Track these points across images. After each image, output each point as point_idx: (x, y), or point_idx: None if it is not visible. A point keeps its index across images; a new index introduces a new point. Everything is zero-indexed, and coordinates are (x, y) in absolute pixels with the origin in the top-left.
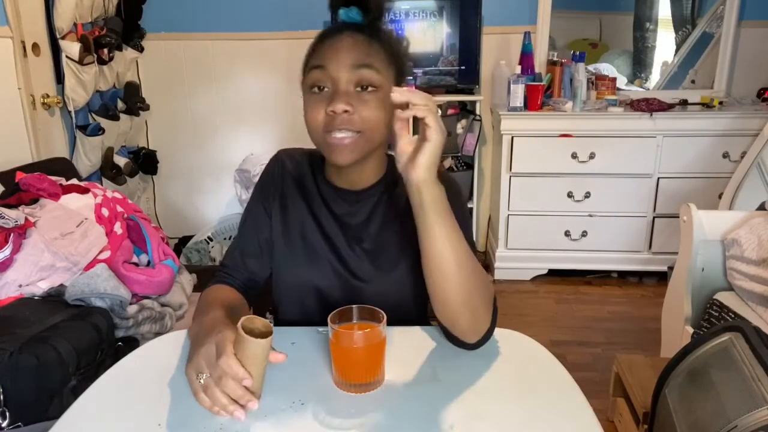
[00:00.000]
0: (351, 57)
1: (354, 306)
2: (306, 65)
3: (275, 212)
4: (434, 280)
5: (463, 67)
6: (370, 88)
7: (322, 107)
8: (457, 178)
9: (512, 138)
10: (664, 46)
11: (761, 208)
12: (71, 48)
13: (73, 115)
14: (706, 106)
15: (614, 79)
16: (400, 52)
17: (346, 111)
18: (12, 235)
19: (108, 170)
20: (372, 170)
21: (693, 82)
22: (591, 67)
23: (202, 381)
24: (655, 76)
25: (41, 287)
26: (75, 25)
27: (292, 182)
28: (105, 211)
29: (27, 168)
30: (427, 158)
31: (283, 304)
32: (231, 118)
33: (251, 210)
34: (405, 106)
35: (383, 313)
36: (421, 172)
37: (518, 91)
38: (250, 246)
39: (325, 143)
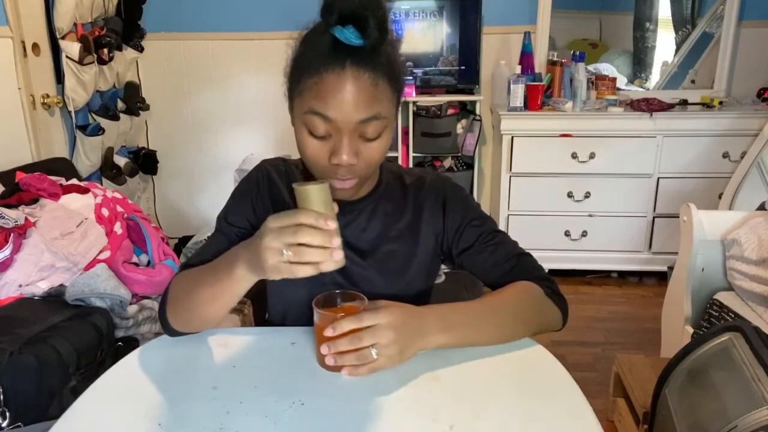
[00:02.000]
0: (357, 109)
1: (337, 291)
2: (298, 90)
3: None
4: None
5: (463, 67)
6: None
7: (324, 153)
8: (457, 178)
9: (512, 138)
10: (664, 46)
11: (761, 208)
12: (71, 48)
13: (73, 115)
14: (706, 106)
15: (614, 79)
16: (400, 73)
17: (351, 164)
18: (12, 235)
19: (108, 170)
20: (366, 184)
21: (693, 82)
22: (591, 67)
23: (286, 256)
24: (655, 76)
25: (41, 287)
26: (75, 25)
27: (280, 193)
28: (105, 211)
29: (27, 168)
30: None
31: (283, 318)
32: (231, 118)
33: (228, 219)
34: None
35: (365, 297)
36: (395, 363)
37: (518, 91)
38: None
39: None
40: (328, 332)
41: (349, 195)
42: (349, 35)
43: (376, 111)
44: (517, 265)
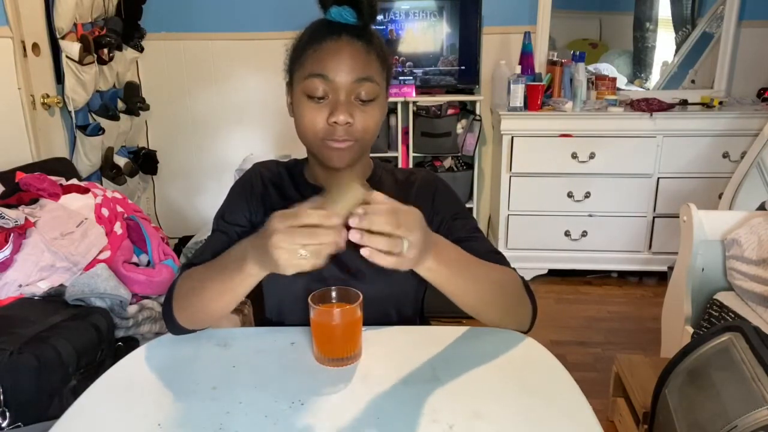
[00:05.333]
0: (353, 69)
1: (333, 288)
2: (298, 65)
3: (260, 222)
4: (467, 309)
5: (463, 67)
6: (369, 100)
7: (322, 116)
8: (457, 178)
9: (512, 138)
10: (664, 46)
11: (761, 208)
12: (71, 48)
13: (73, 115)
14: (706, 106)
15: (614, 79)
16: (389, 56)
17: (347, 123)
18: (12, 235)
19: (108, 170)
20: (359, 171)
21: (693, 82)
22: (591, 67)
23: (305, 254)
24: (655, 76)
25: (41, 287)
26: (75, 25)
27: (274, 191)
28: (105, 211)
29: (27, 168)
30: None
31: (280, 312)
32: (231, 118)
33: (225, 218)
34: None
35: (360, 293)
36: (409, 266)
37: (518, 91)
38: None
39: (324, 148)
40: (359, 211)
41: (345, 163)
42: (345, 14)
43: (369, 73)
44: (493, 260)
